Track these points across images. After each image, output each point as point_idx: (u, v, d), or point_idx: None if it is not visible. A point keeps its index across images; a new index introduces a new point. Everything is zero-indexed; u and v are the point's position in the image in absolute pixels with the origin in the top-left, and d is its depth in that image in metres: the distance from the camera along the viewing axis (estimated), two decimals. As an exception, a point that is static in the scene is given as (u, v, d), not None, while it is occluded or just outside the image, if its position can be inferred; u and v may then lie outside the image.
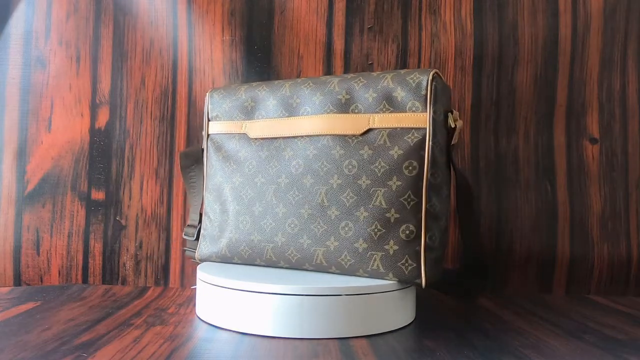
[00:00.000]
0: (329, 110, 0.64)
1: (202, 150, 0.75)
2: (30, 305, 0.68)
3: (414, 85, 0.60)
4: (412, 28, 0.83)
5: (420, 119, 0.59)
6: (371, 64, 0.83)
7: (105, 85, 0.84)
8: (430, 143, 0.59)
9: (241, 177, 0.69)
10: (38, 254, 0.82)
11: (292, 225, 0.63)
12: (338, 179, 0.62)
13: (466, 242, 0.68)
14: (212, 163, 0.72)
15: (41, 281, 0.82)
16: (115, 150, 0.84)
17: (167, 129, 0.84)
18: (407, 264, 0.58)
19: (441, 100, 0.60)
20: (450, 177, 0.64)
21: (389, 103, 0.61)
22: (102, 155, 0.83)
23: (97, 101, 0.84)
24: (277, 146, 0.67)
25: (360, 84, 0.63)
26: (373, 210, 0.59)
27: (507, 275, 0.82)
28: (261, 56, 0.84)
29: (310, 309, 0.55)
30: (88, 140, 0.84)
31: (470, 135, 0.83)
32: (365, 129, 0.62)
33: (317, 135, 0.64)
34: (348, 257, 0.60)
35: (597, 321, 0.66)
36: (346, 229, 0.60)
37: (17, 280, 0.82)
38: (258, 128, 0.68)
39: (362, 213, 0.60)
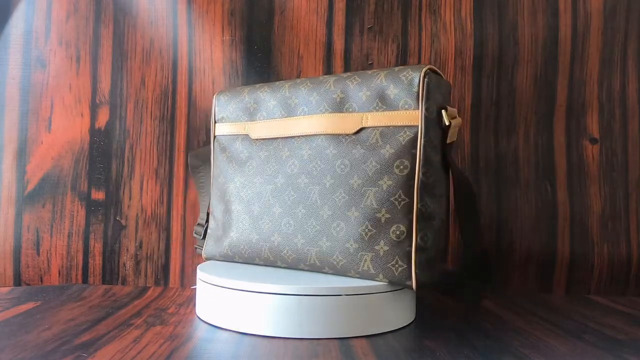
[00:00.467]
0: (324, 110, 0.64)
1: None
2: (30, 305, 0.68)
3: (406, 82, 0.59)
4: (412, 28, 0.83)
5: (413, 116, 0.58)
6: (371, 64, 0.83)
7: (105, 85, 0.84)
8: (422, 141, 0.57)
9: (242, 177, 0.69)
10: (38, 254, 0.82)
11: (288, 225, 0.64)
12: (331, 178, 0.61)
13: (467, 242, 0.66)
14: (217, 164, 0.73)
15: (41, 281, 0.82)
16: (115, 150, 0.84)
17: (167, 129, 0.84)
18: (397, 265, 0.57)
19: (434, 97, 0.58)
20: (448, 177, 0.62)
21: (382, 101, 0.60)
22: (102, 155, 0.83)
23: (97, 101, 0.84)
24: (275, 146, 0.67)
25: (355, 83, 0.62)
26: (364, 210, 0.59)
27: (507, 275, 0.82)
28: (261, 56, 0.84)
29: (310, 309, 0.55)
30: (88, 140, 0.84)
31: (470, 135, 0.83)
32: (358, 128, 0.61)
33: (312, 135, 0.64)
34: (340, 258, 0.59)
35: (597, 321, 0.66)
36: (338, 229, 0.60)
37: (17, 280, 0.82)
38: (259, 129, 0.69)
39: (353, 213, 0.59)
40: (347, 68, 0.83)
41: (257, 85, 0.72)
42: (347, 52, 0.83)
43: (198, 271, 0.65)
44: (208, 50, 0.83)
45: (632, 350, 0.54)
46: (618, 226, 0.83)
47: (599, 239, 0.83)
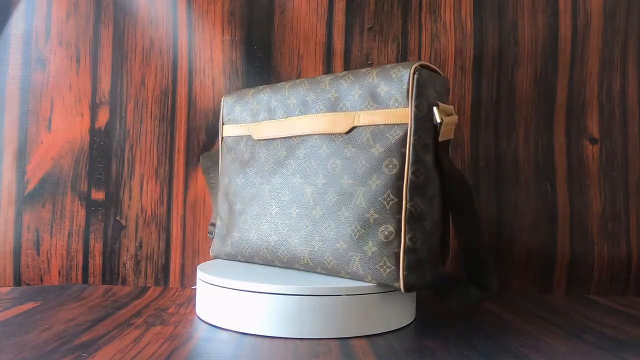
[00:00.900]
0: (319, 110, 0.64)
1: None
2: (30, 305, 0.68)
3: (396, 79, 0.57)
4: (412, 28, 0.83)
5: (403, 114, 0.57)
6: (371, 63, 0.83)
7: (105, 85, 0.84)
8: (412, 139, 0.56)
9: (244, 177, 0.70)
10: (38, 254, 0.82)
11: (283, 225, 0.64)
12: (323, 178, 0.61)
13: (463, 246, 0.63)
14: (223, 165, 0.75)
15: (41, 281, 0.82)
16: (115, 150, 0.84)
17: (167, 129, 0.84)
18: (385, 267, 0.56)
19: (425, 93, 0.57)
20: (441, 176, 0.60)
21: (374, 99, 0.59)
22: (102, 155, 0.83)
23: (97, 101, 0.84)
24: (274, 147, 0.68)
25: (348, 82, 0.61)
26: (354, 210, 0.58)
27: (507, 275, 0.82)
28: (261, 56, 0.84)
29: (310, 309, 0.55)
30: (88, 140, 0.84)
31: (470, 135, 0.83)
32: (350, 127, 0.60)
33: (307, 135, 0.64)
34: (330, 258, 0.59)
35: (597, 321, 0.66)
36: (329, 229, 0.60)
37: (17, 280, 0.82)
38: (260, 130, 0.70)
39: (343, 213, 0.59)
40: (347, 68, 0.83)
41: (261, 87, 0.72)
42: (347, 52, 0.83)
43: (198, 271, 0.65)
44: (208, 50, 0.83)
45: (632, 350, 0.54)
46: (618, 226, 0.83)
47: (599, 239, 0.83)
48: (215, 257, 0.75)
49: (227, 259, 0.73)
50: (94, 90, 0.84)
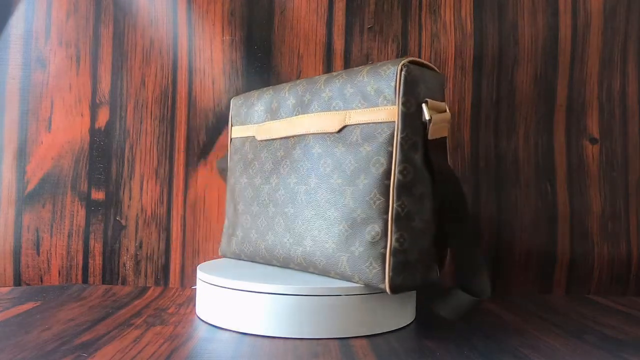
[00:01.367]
0: (314, 110, 0.63)
1: None
2: (30, 305, 0.68)
3: (385, 76, 0.56)
4: (412, 28, 0.83)
5: (391, 112, 0.55)
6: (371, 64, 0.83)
7: (105, 85, 0.84)
8: (399, 138, 0.54)
9: (247, 178, 0.71)
10: (38, 254, 0.82)
11: (279, 225, 0.64)
12: (315, 178, 0.61)
13: (454, 248, 0.60)
14: (231, 165, 0.76)
15: (41, 281, 0.82)
16: (115, 150, 0.84)
17: (167, 129, 0.84)
18: (371, 267, 0.55)
19: (414, 90, 0.55)
20: (432, 175, 0.57)
21: (364, 98, 0.58)
22: (102, 155, 0.83)
23: (97, 101, 0.84)
24: (274, 147, 0.68)
25: (341, 81, 0.61)
26: (342, 210, 0.57)
27: (507, 275, 0.82)
28: (261, 56, 0.84)
29: (310, 309, 0.55)
30: (88, 140, 0.84)
31: (470, 135, 0.83)
32: (341, 126, 0.60)
33: (303, 135, 0.64)
34: (321, 258, 0.59)
35: (597, 321, 0.66)
36: (319, 229, 0.59)
37: (17, 280, 0.82)
38: (262, 131, 0.70)
39: (332, 213, 0.58)
40: (347, 68, 0.83)
41: (265, 88, 0.73)
42: (347, 52, 0.83)
43: (198, 271, 0.65)
44: (208, 50, 0.83)
45: (632, 350, 0.54)
46: (618, 226, 0.83)
47: (599, 239, 0.83)
48: (222, 256, 0.76)
49: (233, 258, 0.74)
50: (94, 90, 0.84)
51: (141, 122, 0.84)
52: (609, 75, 0.84)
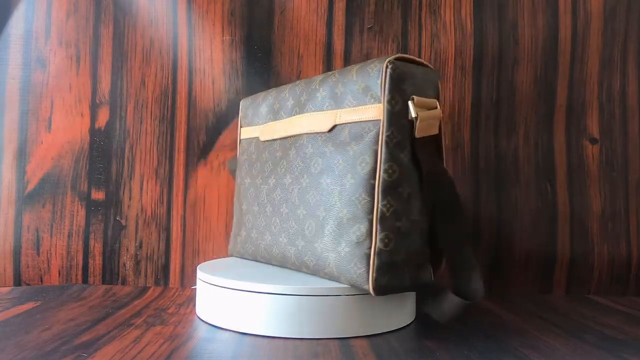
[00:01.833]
0: (309, 110, 0.63)
1: None
2: (30, 305, 0.68)
3: (372, 74, 0.55)
4: (412, 28, 0.83)
5: (378, 110, 0.54)
6: (371, 64, 0.83)
7: (105, 85, 0.84)
8: (384, 136, 0.53)
9: (250, 178, 0.72)
10: (38, 254, 0.82)
11: (275, 224, 0.65)
12: (307, 177, 0.61)
13: (445, 250, 0.58)
14: (239, 166, 0.76)
15: (41, 281, 0.82)
16: (115, 150, 0.84)
17: (167, 129, 0.84)
18: (356, 268, 0.54)
19: (400, 87, 0.54)
20: (420, 175, 0.56)
21: (353, 96, 0.57)
22: (102, 155, 0.83)
23: (97, 101, 0.84)
24: (274, 148, 0.69)
25: (334, 80, 0.60)
26: (330, 210, 0.57)
27: (507, 275, 0.82)
28: (261, 56, 0.84)
29: (310, 309, 0.55)
30: (88, 140, 0.84)
31: (470, 135, 0.83)
32: (331, 126, 0.59)
33: (298, 135, 0.64)
34: (311, 258, 0.59)
35: (597, 321, 0.66)
36: (309, 229, 0.59)
37: (17, 280, 0.82)
38: (264, 131, 0.71)
39: (321, 213, 0.58)
40: (347, 68, 0.83)
41: (270, 90, 0.73)
42: (347, 52, 0.83)
43: (198, 271, 0.65)
44: (208, 50, 0.83)
45: (632, 350, 0.54)
46: (618, 226, 0.83)
47: (599, 239, 0.83)
48: (230, 255, 0.77)
49: (238, 257, 0.75)
50: (94, 90, 0.84)
51: (141, 122, 0.84)
52: (609, 75, 0.84)
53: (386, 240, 0.53)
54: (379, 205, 0.53)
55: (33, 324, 0.59)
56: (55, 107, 0.84)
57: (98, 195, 0.83)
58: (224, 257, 0.78)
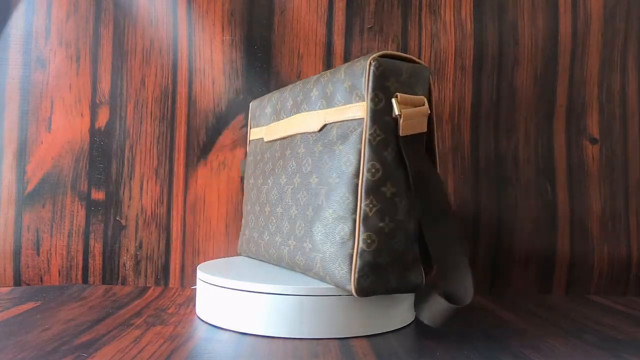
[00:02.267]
0: (304, 110, 0.63)
1: None
2: (30, 305, 0.68)
3: (357, 72, 0.54)
4: (412, 28, 0.83)
5: (362, 109, 0.53)
6: (371, 64, 0.83)
7: (105, 85, 0.84)
8: (366, 135, 0.53)
9: (254, 178, 0.72)
10: (38, 254, 0.82)
11: (272, 224, 0.65)
12: (299, 177, 0.61)
13: (434, 252, 0.56)
14: (247, 167, 0.77)
15: (41, 281, 0.82)
16: (115, 150, 0.84)
17: (167, 129, 0.84)
18: (339, 268, 0.53)
19: (382, 85, 0.53)
20: (406, 174, 0.54)
21: (341, 95, 0.57)
22: (102, 155, 0.83)
23: (97, 101, 0.84)
24: (274, 148, 0.69)
25: (325, 79, 0.60)
26: (317, 210, 0.57)
27: (507, 275, 0.82)
28: (261, 56, 0.84)
29: (310, 309, 0.55)
30: (88, 140, 0.84)
31: (470, 135, 0.83)
32: (321, 125, 0.59)
33: (293, 135, 0.65)
34: (301, 258, 0.59)
35: (597, 321, 0.66)
36: (299, 229, 0.59)
37: (17, 280, 0.82)
38: (268, 132, 0.71)
39: (310, 213, 0.58)
40: (347, 68, 0.83)
41: (276, 90, 0.73)
42: (347, 52, 0.83)
43: (198, 271, 0.65)
44: (208, 50, 0.83)
45: (632, 350, 0.54)
46: (618, 226, 0.83)
47: (599, 239, 0.83)
48: (239, 254, 0.79)
49: (245, 256, 0.76)
50: (94, 90, 0.84)
51: (141, 122, 0.84)
52: (609, 76, 0.84)
53: (369, 241, 0.52)
54: (362, 205, 0.53)
55: (33, 324, 0.59)
56: (55, 107, 0.84)
57: (98, 195, 0.83)
58: (225, 257, 0.78)
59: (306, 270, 0.59)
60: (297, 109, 0.65)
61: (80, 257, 0.83)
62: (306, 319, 0.55)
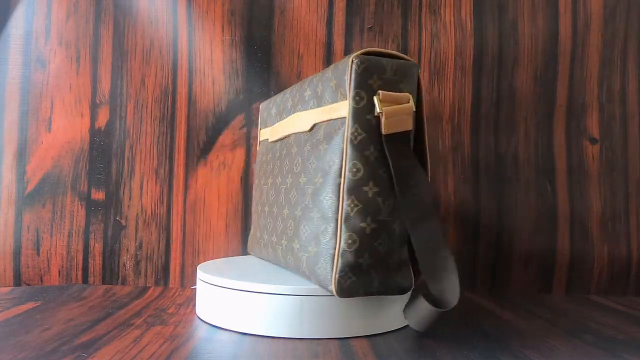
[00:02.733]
0: (298, 110, 0.64)
1: None
2: (30, 305, 0.68)
3: (341, 71, 0.54)
4: (412, 28, 0.83)
5: (346, 107, 0.53)
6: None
7: (105, 85, 0.84)
8: (348, 134, 0.52)
9: (258, 178, 0.74)
10: (38, 254, 0.82)
11: (270, 224, 0.66)
12: (291, 177, 0.61)
13: (417, 254, 0.54)
14: (256, 167, 0.78)
15: (41, 281, 0.82)
16: (115, 150, 0.84)
17: (167, 129, 0.84)
18: (322, 269, 0.53)
19: (364, 83, 0.52)
20: (391, 173, 0.53)
21: (329, 95, 0.56)
22: (102, 155, 0.83)
23: (97, 101, 0.84)
24: (276, 148, 0.69)
25: (317, 79, 0.60)
26: (304, 210, 0.57)
27: (507, 275, 0.82)
28: (261, 56, 0.84)
29: (310, 309, 0.55)
30: (88, 140, 0.84)
31: (470, 135, 0.83)
32: (311, 125, 0.59)
33: (288, 135, 0.65)
34: (290, 257, 0.59)
35: (597, 321, 0.66)
36: (290, 228, 0.60)
37: (17, 280, 0.82)
38: (272, 133, 0.72)
39: (298, 213, 0.58)
40: (347, 68, 0.83)
41: (283, 91, 0.73)
42: (347, 52, 0.83)
43: (198, 271, 0.65)
44: (208, 50, 0.83)
45: (632, 350, 0.54)
46: (618, 226, 0.83)
47: (599, 239, 0.83)
48: (248, 253, 0.79)
49: (253, 255, 0.77)
50: (94, 90, 0.84)
51: (141, 122, 0.84)
52: (609, 75, 0.84)
53: (350, 241, 0.51)
54: (343, 204, 0.52)
55: (33, 324, 0.59)
56: (55, 107, 0.84)
57: (98, 195, 0.83)
58: (225, 257, 0.78)
59: (296, 269, 0.59)
60: (294, 109, 0.65)
61: (80, 257, 0.83)
62: (306, 319, 0.55)
